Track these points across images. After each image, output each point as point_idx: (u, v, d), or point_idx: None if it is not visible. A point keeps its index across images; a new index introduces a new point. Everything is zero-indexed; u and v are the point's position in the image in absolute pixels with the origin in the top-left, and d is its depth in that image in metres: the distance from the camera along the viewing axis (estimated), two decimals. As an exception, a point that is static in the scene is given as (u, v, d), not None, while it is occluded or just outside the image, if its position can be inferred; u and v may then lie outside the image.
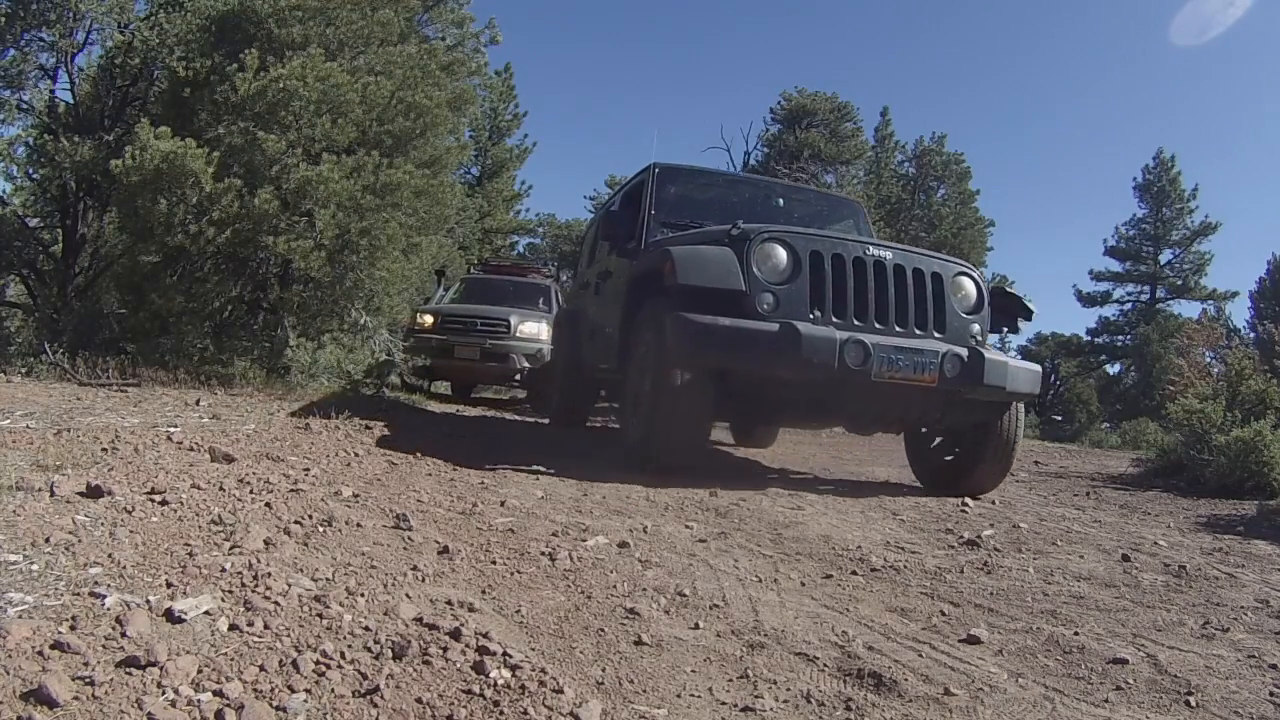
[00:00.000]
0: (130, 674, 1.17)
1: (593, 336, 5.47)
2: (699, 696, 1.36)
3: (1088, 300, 27.11)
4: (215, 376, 6.17)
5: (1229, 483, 4.64)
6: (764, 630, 1.69)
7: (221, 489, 2.42)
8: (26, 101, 7.97)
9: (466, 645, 1.42)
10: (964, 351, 3.48)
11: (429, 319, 8.77)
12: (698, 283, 3.43)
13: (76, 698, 1.09)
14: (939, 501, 3.69)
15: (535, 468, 3.69)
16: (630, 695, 1.34)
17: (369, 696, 1.22)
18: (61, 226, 8.39)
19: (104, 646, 1.24)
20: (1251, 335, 20.64)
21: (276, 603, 1.52)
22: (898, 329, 3.56)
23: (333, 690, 1.22)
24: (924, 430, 4.27)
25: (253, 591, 1.56)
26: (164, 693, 1.14)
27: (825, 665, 1.53)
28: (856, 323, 3.51)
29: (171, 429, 3.61)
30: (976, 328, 3.77)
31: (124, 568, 1.61)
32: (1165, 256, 26.33)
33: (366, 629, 1.46)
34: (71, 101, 8.10)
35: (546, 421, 7.04)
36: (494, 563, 2.03)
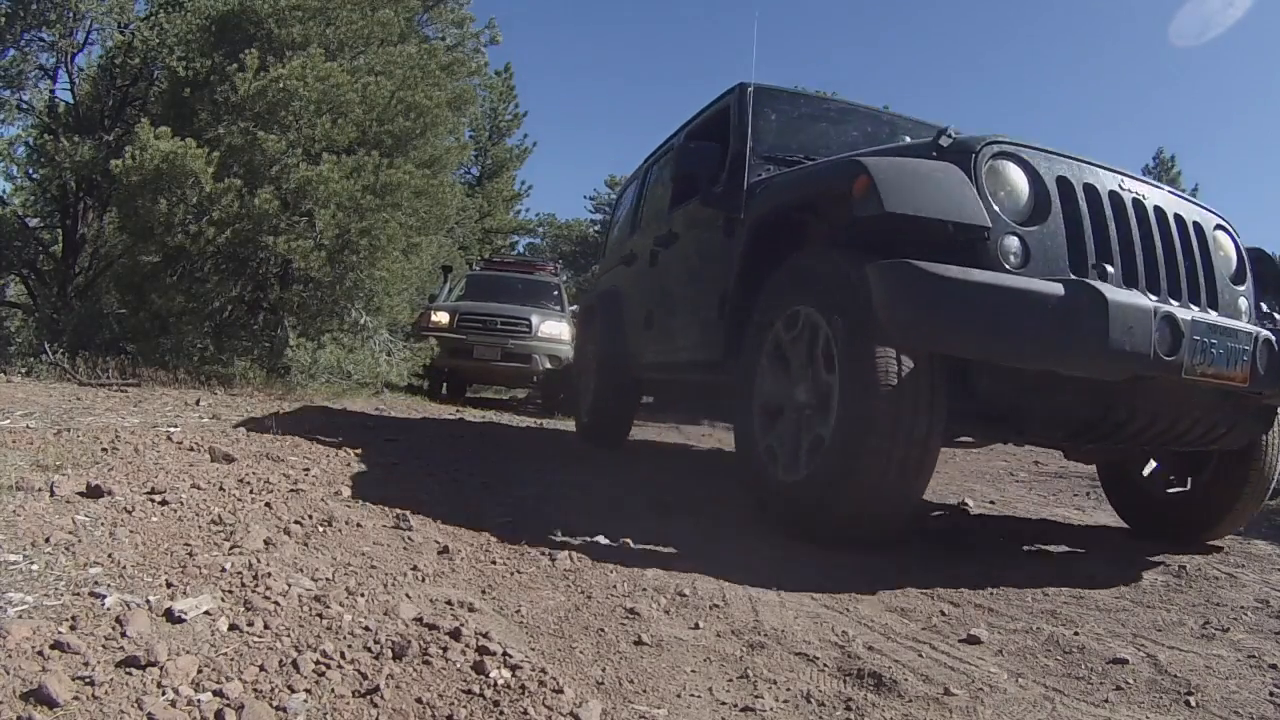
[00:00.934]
0: (130, 674, 1.17)
1: (650, 323, 4.21)
2: (699, 696, 1.36)
3: (1088, 300, 27.11)
4: (215, 376, 6.18)
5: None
6: (764, 630, 1.69)
7: (221, 489, 2.42)
8: (26, 101, 7.99)
9: (466, 645, 1.42)
10: (1273, 337, 2.34)
11: (444, 317, 8.35)
12: (915, 211, 2.16)
13: (76, 698, 1.09)
14: (938, 502, 3.69)
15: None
16: (630, 695, 1.34)
17: (369, 696, 1.22)
18: (61, 226, 8.40)
19: (104, 646, 1.24)
20: (1251, 335, 20.59)
21: (276, 603, 1.52)
22: (1174, 302, 2.37)
23: (333, 690, 1.22)
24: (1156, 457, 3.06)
25: (253, 591, 1.56)
26: (164, 693, 1.14)
27: (825, 665, 1.53)
28: (1138, 290, 2.34)
29: (171, 429, 3.61)
30: (1244, 303, 2.71)
31: (124, 568, 1.61)
32: (1165, 256, 26.31)
33: (366, 629, 1.46)
34: (71, 101, 8.11)
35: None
36: (494, 563, 2.03)
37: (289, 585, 1.62)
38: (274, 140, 6.41)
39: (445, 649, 1.40)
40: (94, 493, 2.13)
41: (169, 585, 1.54)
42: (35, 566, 1.55)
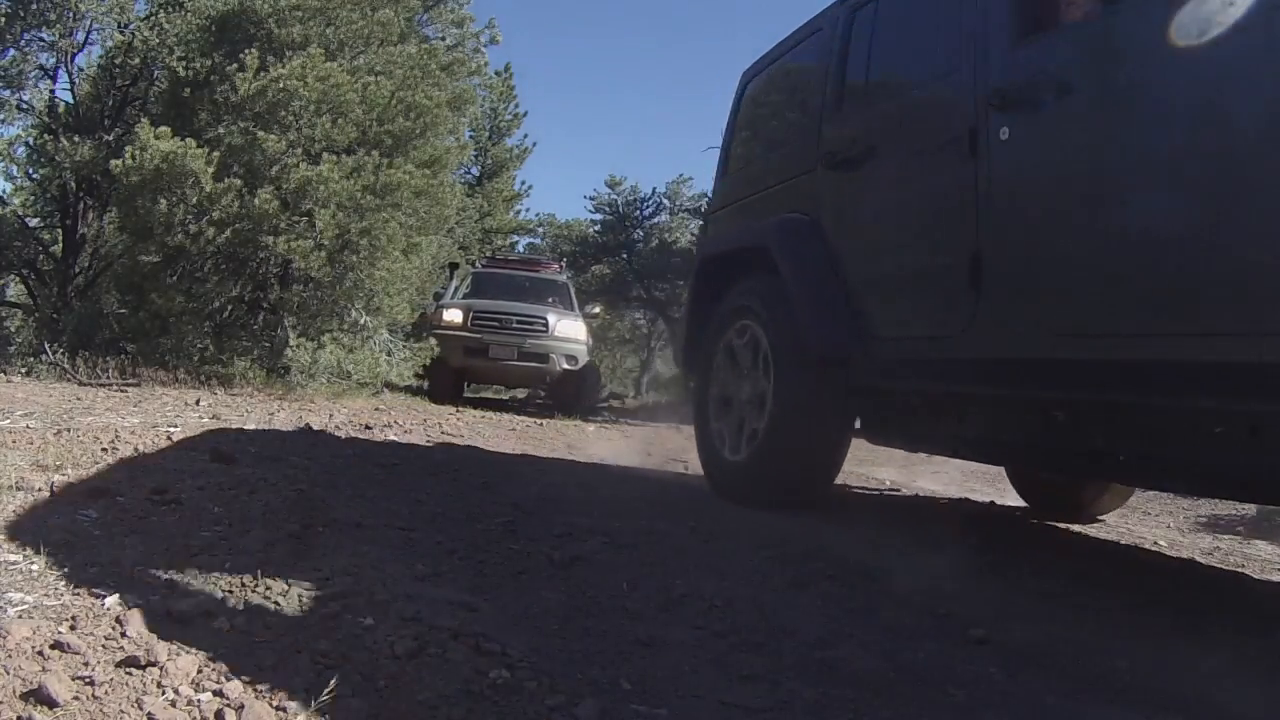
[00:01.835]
0: (130, 674, 1.17)
1: (922, 278, 2.36)
2: (700, 697, 1.36)
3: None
4: (215, 376, 6.18)
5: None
6: (767, 630, 1.69)
7: (221, 489, 2.42)
8: (26, 101, 7.99)
9: (466, 645, 1.42)
10: None
11: (458, 315, 8.08)
12: None
13: (76, 698, 1.09)
14: (939, 502, 3.69)
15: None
16: (630, 695, 1.34)
17: (369, 696, 1.22)
18: (61, 226, 8.40)
19: (104, 646, 1.24)
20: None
21: (276, 603, 1.52)
22: None
23: (332, 690, 1.23)
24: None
25: (253, 591, 1.56)
26: (164, 693, 1.14)
27: (826, 665, 1.53)
28: None
29: (172, 429, 3.61)
30: None
31: (124, 568, 1.61)
32: (1165, 256, 26.37)
33: (366, 629, 1.46)
34: (71, 101, 8.11)
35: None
36: (494, 563, 2.03)
37: (289, 585, 1.62)
38: (274, 140, 6.41)
39: (445, 649, 1.40)
40: (94, 493, 2.13)
41: (169, 585, 1.54)
42: (35, 566, 1.55)
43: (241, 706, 1.13)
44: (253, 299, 7.42)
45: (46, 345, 6.29)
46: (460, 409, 8.06)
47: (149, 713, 1.08)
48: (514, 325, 8.08)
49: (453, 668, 1.34)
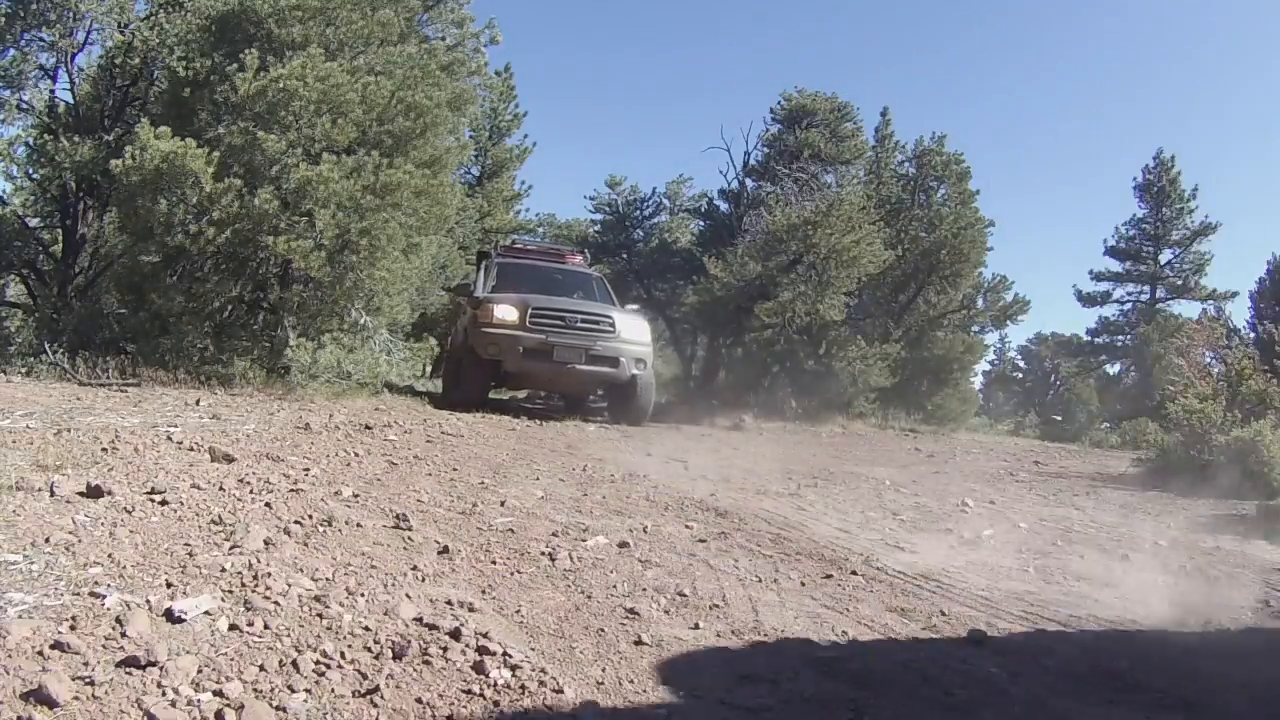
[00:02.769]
0: (130, 674, 1.17)
1: None
2: (700, 697, 1.36)
3: (1088, 300, 27.12)
4: (215, 376, 6.17)
5: (1229, 482, 4.64)
6: (764, 630, 1.69)
7: (221, 489, 2.42)
8: (26, 101, 7.98)
9: (466, 645, 1.42)
10: None
11: (512, 312, 6.89)
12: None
13: (76, 697, 1.09)
14: (939, 502, 3.69)
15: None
16: (630, 695, 1.34)
17: (369, 696, 1.22)
18: (61, 226, 8.39)
19: (104, 646, 1.24)
20: (1251, 335, 20.61)
21: (276, 603, 1.52)
22: None
23: (333, 690, 1.22)
24: None
25: (253, 591, 1.56)
26: (164, 693, 1.14)
27: (826, 665, 1.53)
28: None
29: (171, 429, 3.61)
30: None
31: (124, 568, 1.61)
32: (1165, 256, 26.34)
33: (366, 629, 1.46)
34: (71, 101, 8.10)
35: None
36: (494, 563, 2.03)
37: (289, 585, 1.62)
38: (274, 140, 6.41)
39: (445, 649, 1.40)
40: (94, 493, 2.13)
41: (169, 585, 1.54)
42: (35, 566, 1.55)
43: (241, 706, 1.13)
44: (253, 299, 7.41)
45: (46, 345, 6.27)
46: (456, 410, 8.05)
47: (149, 712, 1.08)
48: (579, 325, 6.99)
49: (453, 668, 1.34)
